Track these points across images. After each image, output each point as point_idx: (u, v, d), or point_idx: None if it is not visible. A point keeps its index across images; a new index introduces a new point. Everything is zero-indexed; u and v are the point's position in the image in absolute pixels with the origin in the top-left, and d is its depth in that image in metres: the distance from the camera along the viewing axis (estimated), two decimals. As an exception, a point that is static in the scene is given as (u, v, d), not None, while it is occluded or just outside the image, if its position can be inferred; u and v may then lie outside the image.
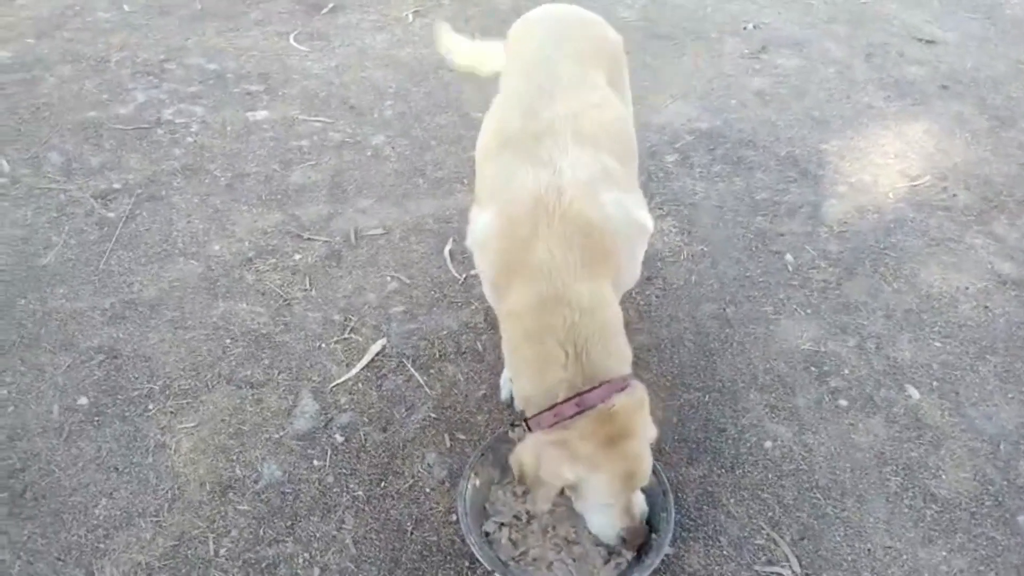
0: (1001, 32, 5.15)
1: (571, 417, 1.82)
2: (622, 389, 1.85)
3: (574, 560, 2.10)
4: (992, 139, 4.00)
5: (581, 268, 1.85)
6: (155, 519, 2.25)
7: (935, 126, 4.10)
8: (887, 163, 3.81)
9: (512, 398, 2.53)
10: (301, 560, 2.16)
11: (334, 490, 2.34)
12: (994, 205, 3.53)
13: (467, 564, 2.16)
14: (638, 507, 2.00)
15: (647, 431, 1.90)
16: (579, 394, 1.82)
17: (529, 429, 1.93)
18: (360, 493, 2.34)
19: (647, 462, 1.90)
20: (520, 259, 1.89)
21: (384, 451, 2.45)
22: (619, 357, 1.92)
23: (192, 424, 2.51)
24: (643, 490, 2.07)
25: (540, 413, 1.87)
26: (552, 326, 1.83)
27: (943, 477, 2.41)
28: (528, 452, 1.86)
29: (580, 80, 2.29)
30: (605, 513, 1.96)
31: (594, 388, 1.83)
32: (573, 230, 1.87)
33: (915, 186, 3.65)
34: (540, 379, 1.87)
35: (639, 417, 1.87)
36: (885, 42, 4.95)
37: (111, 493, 2.31)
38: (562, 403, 1.83)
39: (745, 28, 5.10)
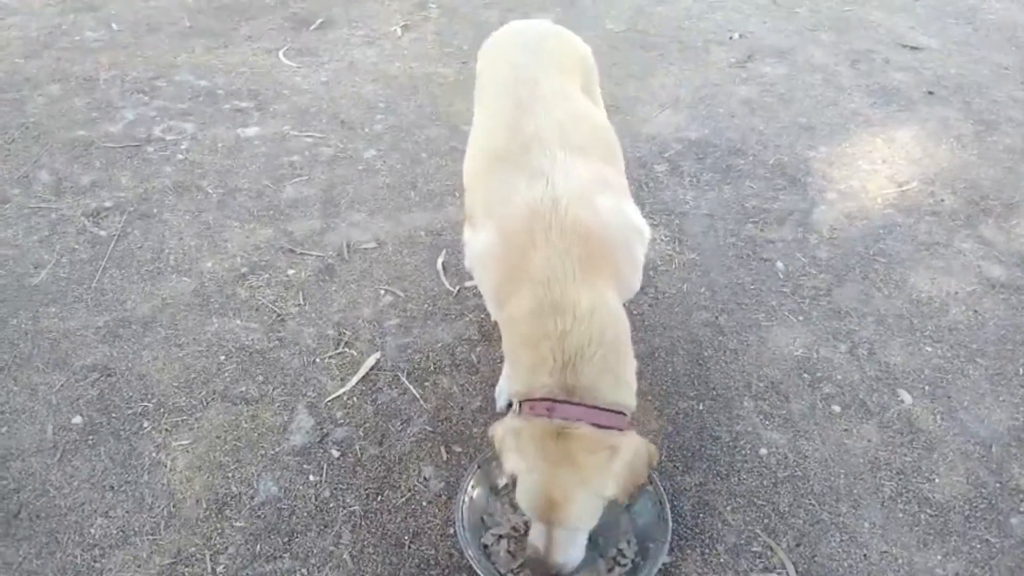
0: (983, 37, 5.21)
1: (539, 415, 1.77)
2: (605, 426, 1.76)
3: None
4: (978, 143, 4.04)
5: (580, 275, 1.84)
6: (151, 537, 2.24)
7: (921, 131, 4.14)
8: (875, 169, 3.84)
9: (507, 409, 2.54)
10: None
11: (331, 505, 2.34)
12: (981, 209, 3.57)
13: (465, 577, 2.16)
14: (555, 550, 1.79)
15: (598, 480, 1.73)
16: (553, 399, 1.77)
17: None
18: (357, 508, 2.33)
19: (576, 509, 1.73)
20: (520, 269, 1.89)
21: (380, 465, 2.45)
22: (616, 379, 1.85)
23: (187, 441, 2.51)
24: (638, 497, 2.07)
25: (524, 400, 1.84)
26: (547, 332, 1.81)
27: (936, 481, 2.42)
28: (499, 428, 1.87)
29: (558, 91, 2.31)
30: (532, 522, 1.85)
31: (571, 403, 1.77)
32: (571, 238, 1.87)
33: (903, 191, 3.68)
34: (528, 381, 1.84)
35: (594, 461, 1.72)
36: (870, 49, 5.00)
37: (107, 512, 2.30)
38: (538, 399, 1.79)
39: (731, 37, 5.15)
